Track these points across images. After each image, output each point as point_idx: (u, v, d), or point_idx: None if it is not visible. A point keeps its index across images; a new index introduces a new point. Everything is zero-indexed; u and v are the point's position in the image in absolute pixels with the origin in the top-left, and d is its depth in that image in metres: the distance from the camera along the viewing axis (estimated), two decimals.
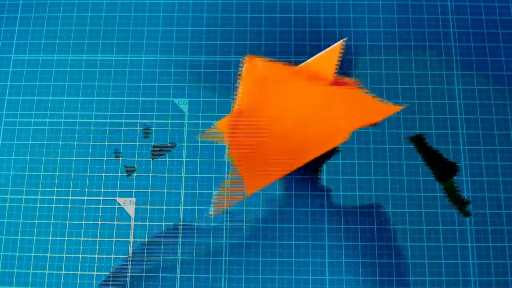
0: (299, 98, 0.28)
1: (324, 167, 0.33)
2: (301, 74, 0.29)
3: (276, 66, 0.29)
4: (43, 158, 0.34)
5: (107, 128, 0.34)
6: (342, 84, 0.28)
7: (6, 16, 0.37)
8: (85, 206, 0.33)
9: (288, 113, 0.29)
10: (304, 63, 0.31)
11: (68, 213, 0.33)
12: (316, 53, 0.35)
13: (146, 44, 0.36)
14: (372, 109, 0.28)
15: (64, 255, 0.32)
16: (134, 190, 0.33)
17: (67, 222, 0.33)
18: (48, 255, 0.32)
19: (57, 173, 0.34)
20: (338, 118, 0.28)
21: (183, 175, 0.33)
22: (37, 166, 0.34)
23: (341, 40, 0.30)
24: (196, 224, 0.33)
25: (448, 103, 0.34)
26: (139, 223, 0.33)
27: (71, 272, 0.32)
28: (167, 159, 0.34)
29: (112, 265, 0.32)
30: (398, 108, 0.28)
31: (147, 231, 0.32)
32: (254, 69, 0.29)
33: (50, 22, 0.37)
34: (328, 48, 0.30)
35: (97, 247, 0.32)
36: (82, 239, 0.32)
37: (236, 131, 0.29)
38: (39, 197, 0.33)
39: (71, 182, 0.33)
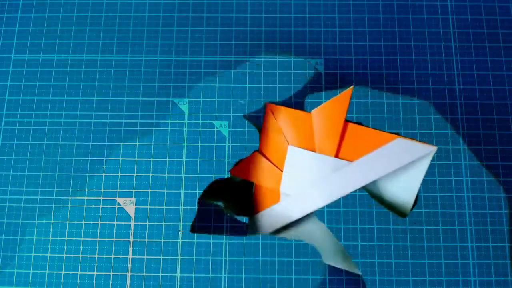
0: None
1: None
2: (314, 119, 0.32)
3: (292, 112, 0.32)
4: (43, 158, 0.34)
5: (107, 128, 0.34)
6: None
7: (6, 16, 0.37)
8: (85, 206, 0.33)
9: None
10: (316, 108, 0.31)
11: (68, 213, 0.33)
12: (316, 52, 0.35)
13: (146, 44, 0.36)
14: (374, 138, 0.31)
15: (64, 255, 0.32)
16: (134, 190, 0.33)
17: (67, 222, 0.33)
18: (48, 255, 0.32)
19: (57, 173, 0.34)
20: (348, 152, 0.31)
21: (183, 175, 0.33)
22: (37, 166, 0.34)
23: (350, 87, 0.31)
24: (196, 224, 0.33)
25: (448, 103, 0.34)
26: (139, 223, 0.33)
27: (71, 272, 0.32)
28: (167, 159, 0.34)
29: (112, 265, 0.32)
30: (394, 136, 0.30)
31: (147, 231, 0.32)
32: (273, 117, 0.33)
33: (50, 22, 0.37)
34: (338, 95, 0.31)
35: (97, 247, 0.32)
36: (82, 239, 0.32)
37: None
38: (39, 197, 0.33)
39: (71, 182, 0.33)
